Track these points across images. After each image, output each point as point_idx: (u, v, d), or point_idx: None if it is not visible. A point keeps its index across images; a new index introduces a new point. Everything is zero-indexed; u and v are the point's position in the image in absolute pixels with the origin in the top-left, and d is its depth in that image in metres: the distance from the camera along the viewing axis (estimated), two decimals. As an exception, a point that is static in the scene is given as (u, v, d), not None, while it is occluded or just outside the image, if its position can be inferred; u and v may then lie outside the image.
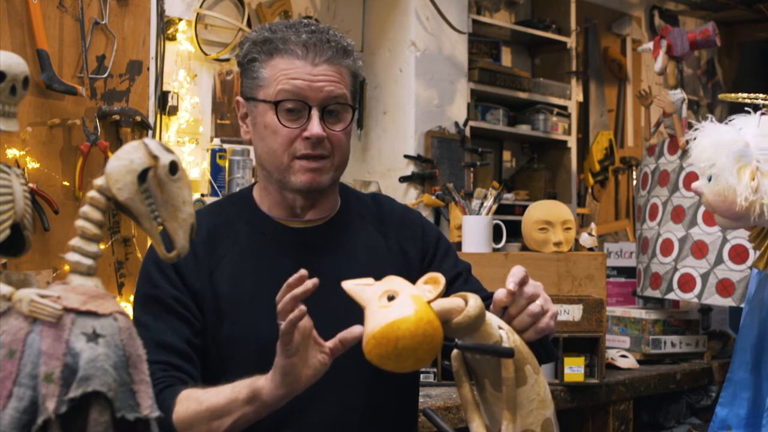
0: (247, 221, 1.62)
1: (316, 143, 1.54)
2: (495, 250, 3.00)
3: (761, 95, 2.06)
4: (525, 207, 3.09)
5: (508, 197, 3.89)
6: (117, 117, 2.67)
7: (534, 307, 1.32)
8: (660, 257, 3.09)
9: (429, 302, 1.16)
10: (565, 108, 4.43)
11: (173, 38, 2.97)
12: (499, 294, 1.31)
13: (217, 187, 2.95)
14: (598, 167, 4.78)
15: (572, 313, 2.57)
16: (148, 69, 2.82)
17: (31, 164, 2.50)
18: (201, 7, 3.06)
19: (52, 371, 0.86)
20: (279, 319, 1.28)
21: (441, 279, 1.18)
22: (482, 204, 2.99)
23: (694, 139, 1.97)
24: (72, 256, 0.93)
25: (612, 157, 4.84)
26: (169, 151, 0.97)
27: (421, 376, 2.57)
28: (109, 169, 0.94)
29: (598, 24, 4.90)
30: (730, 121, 1.94)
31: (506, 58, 4.45)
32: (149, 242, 2.04)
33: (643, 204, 3.25)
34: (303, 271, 1.28)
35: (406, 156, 3.65)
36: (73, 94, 2.56)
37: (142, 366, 0.92)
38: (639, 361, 3.06)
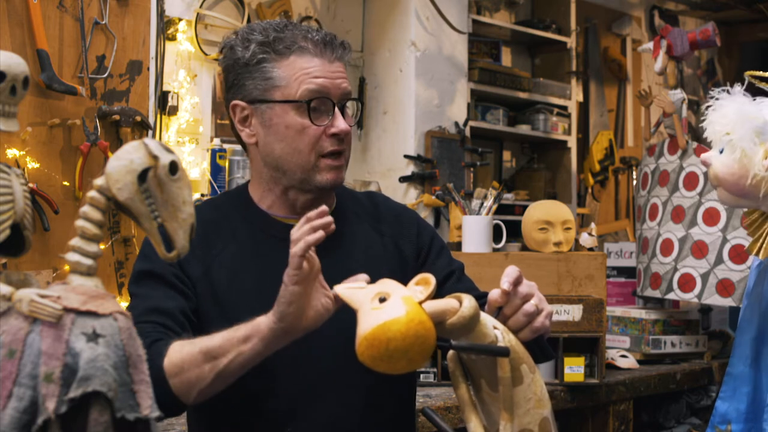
0: (245, 218, 1.62)
1: (342, 139, 1.56)
2: (495, 250, 3.00)
3: None
4: (525, 207, 3.09)
5: (508, 197, 3.89)
6: (117, 117, 2.67)
7: (529, 306, 1.33)
8: (660, 257, 3.09)
9: (420, 303, 1.16)
10: (565, 108, 4.43)
11: (173, 38, 2.97)
12: (494, 294, 1.31)
13: (217, 187, 2.95)
14: (598, 167, 4.78)
15: (572, 313, 2.57)
16: (148, 69, 2.82)
17: (31, 164, 2.50)
18: (201, 7, 3.06)
19: (52, 371, 0.86)
20: (293, 246, 1.28)
21: (432, 279, 1.19)
22: (482, 204, 2.99)
23: (711, 108, 1.94)
24: (72, 256, 0.93)
25: (612, 157, 4.84)
26: (169, 151, 0.97)
27: (421, 376, 2.57)
28: (109, 169, 0.94)
29: (598, 24, 4.90)
30: (754, 99, 1.92)
31: (506, 58, 4.45)
32: (149, 242, 2.03)
33: (643, 204, 3.25)
34: (324, 207, 1.31)
35: (406, 156, 3.65)
36: (73, 94, 2.56)
37: (142, 366, 0.92)
38: (639, 361, 3.06)
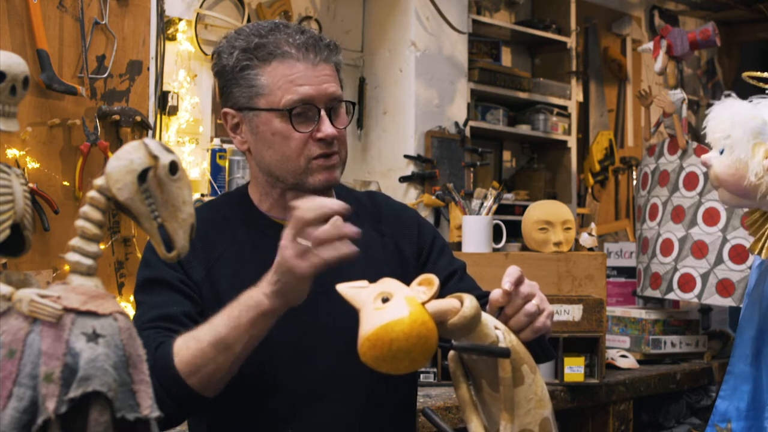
0: (245, 220, 1.62)
1: (330, 142, 1.55)
2: (495, 250, 3.00)
3: None
4: (525, 207, 3.09)
5: (508, 197, 3.89)
6: (117, 117, 2.67)
7: (530, 306, 1.32)
8: (660, 257, 3.09)
9: (423, 303, 1.16)
10: (565, 108, 4.43)
11: (173, 38, 2.97)
12: (495, 294, 1.31)
13: (217, 187, 2.95)
14: (598, 167, 4.78)
15: (572, 313, 2.57)
16: (148, 69, 2.82)
17: (31, 164, 2.50)
18: (201, 7, 3.06)
19: (52, 371, 0.86)
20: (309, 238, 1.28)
21: (435, 280, 1.18)
22: (482, 204, 2.99)
23: (709, 112, 1.95)
24: (72, 256, 0.93)
25: (612, 157, 4.84)
26: (169, 151, 0.97)
27: (421, 376, 2.57)
28: (109, 169, 0.94)
29: (598, 24, 4.90)
30: (750, 100, 1.93)
31: (506, 58, 4.45)
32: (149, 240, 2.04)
33: (643, 204, 3.25)
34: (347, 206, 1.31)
35: (406, 156, 3.65)
36: (73, 94, 2.56)
37: (142, 366, 0.92)
38: (639, 361, 3.06)
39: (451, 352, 1.28)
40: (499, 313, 1.33)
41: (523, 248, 3.10)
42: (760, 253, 1.91)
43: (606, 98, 4.96)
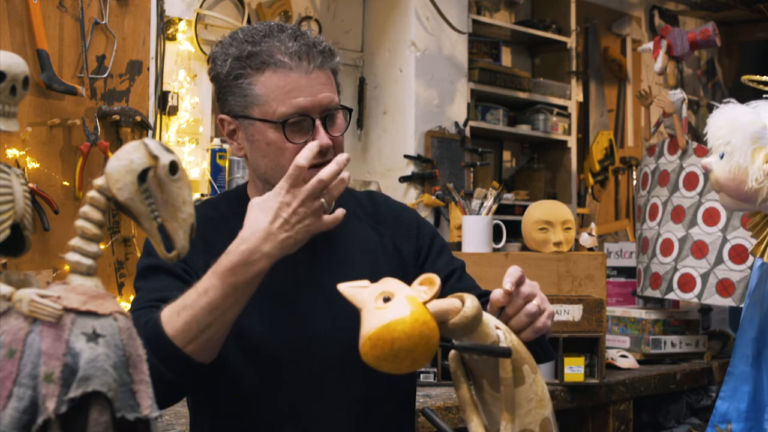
0: (244, 219, 1.62)
1: (325, 152, 1.53)
2: (495, 250, 3.00)
3: None
4: (525, 207, 3.09)
5: (508, 197, 3.89)
6: (117, 117, 2.67)
7: (531, 306, 1.32)
8: (660, 257, 3.09)
9: (425, 303, 1.16)
10: (565, 108, 4.43)
11: (173, 38, 2.97)
12: (496, 294, 1.31)
13: (217, 187, 2.95)
14: (598, 167, 4.78)
15: (572, 313, 2.57)
16: (148, 69, 2.82)
17: (31, 164, 2.50)
18: (201, 7, 3.06)
19: (52, 371, 0.86)
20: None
21: (436, 280, 1.18)
22: (482, 204, 2.99)
23: (709, 119, 1.96)
24: (72, 256, 0.93)
25: (612, 157, 4.84)
26: (169, 151, 0.97)
27: (421, 376, 2.57)
28: (109, 169, 0.94)
29: (598, 24, 4.90)
30: (749, 104, 1.93)
31: (506, 58, 4.45)
32: (149, 242, 2.03)
33: (643, 204, 3.25)
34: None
35: (406, 156, 3.65)
36: (73, 94, 2.56)
37: (142, 366, 0.91)
38: (639, 361, 3.06)
39: (452, 352, 1.28)
40: (500, 313, 1.33)
41: (523, 248, 3.10)
42: (762, 256, 1.92)
43: (606, 98, 4.96)
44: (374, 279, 1.22)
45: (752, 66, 5.86)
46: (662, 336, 3.15)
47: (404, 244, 1.68)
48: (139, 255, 2.70)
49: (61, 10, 2.60)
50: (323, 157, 1.53)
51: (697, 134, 4.95)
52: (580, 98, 4.71)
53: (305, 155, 1.34)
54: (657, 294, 3.11)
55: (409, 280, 1.21)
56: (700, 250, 2.97)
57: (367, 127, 3.80)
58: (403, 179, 3.63)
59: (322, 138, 1.52)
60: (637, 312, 3.24)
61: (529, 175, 4.50)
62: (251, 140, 1.55)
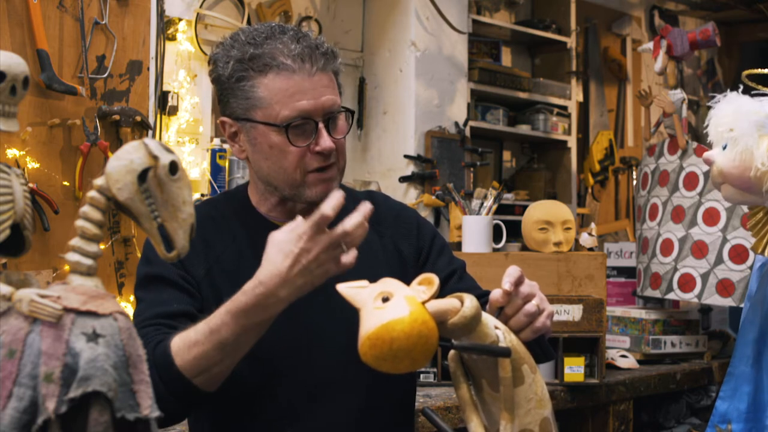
0: (244, 222, 1.62)
1: (327, 155, 1.53)
2: (495, 250, 3.00)
3: None
4: (525, 207, 3.09)
5: (508, 197, 3.89)
6: (117, 117, 2.67)
7: (530, 306, 1.32)
8: (660, 257, 3.09)
9: (423, 303, 1.16)
10: (565, 108, 4.43)
11: (173, 38, 2.97)
12: (495, 294, 1.31)
13: (217, 187, 2.95)
14: (598, 167, 4.78)
15: (572, 313, 2.57)
16: (148, 69, 2.82)
17: (31, 164, 2.50)
18: (201, 7, 3.06)
19: (52, 371, 0.86)
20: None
21: (435, 280, 1.19)
22: (482, 204, 2.99)
23: (712, 109, 1.95)
24: (72, 256, 0.93)
25: (612, 157, 4.84)
26: (169, 151, 0.97)
27: (421, 376, 2.57)
28: (109, 169, 0.94)
29: (598, 24, 4.90)
30: (752, 95, 1.93)
31: (506, 58, 4.45)
32: (149, 242, 2.03)
33: (643, 204, 3.25)
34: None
35: (406, 156, 3.65)
36: (73, 94, 2.56)
37: (142, 366, 0.92)
38: (639, 361, 3.06)
39: (452, 352, 1.29)
40: (499, 312, 1.33)
41: (523, 248, 3.10)
42: (762, 252, 1.91)
43: (606, 98, 4.96)
44: (374, 279, 1.22)
45: (752, 66, 5.85)
46: (662, 336, 3.15)
47: (404, 245, 1.68)
48: (139, 255, 2.70)
49: (61, 10, 2.60)
50: (327, 160, 1.53)
51: (697, 134, 4.95)
52: (580, 98, 4.71)
53: (332, 204, 1.29)
54: (657, 294, 3.11)
55: (409, 281, 1.21)
56: (700, 250, 2.97)
57: (367, 127, 3.80)
58: (403, 179, 3.63)
59: (325, 141, 1.51)
60: (637, 312, 3.24)
61: (529, 175, 4.50)
62: (253, 143, 1.54)
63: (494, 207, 2.99)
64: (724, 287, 2.90)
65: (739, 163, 1.86)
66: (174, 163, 0.96)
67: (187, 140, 2.98)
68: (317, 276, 1.31)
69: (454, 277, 1.69)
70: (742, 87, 1.99)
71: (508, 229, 3.03)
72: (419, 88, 3.68)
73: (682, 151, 3.09)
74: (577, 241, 3.04)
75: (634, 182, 4.84)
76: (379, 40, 3.78)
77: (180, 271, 1.53)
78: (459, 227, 3.12)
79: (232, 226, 1.62)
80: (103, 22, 2.69)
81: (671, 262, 3.04)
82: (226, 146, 2.99)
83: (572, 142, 4.47)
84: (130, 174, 0.94)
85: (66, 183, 2.59)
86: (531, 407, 1.25)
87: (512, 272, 1.31)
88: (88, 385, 0.85)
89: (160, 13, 2.88)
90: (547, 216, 2.88)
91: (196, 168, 2.99)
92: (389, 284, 1.18)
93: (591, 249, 3.05)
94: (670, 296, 3.06)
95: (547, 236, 2.88)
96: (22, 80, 0.96)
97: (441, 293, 1.21)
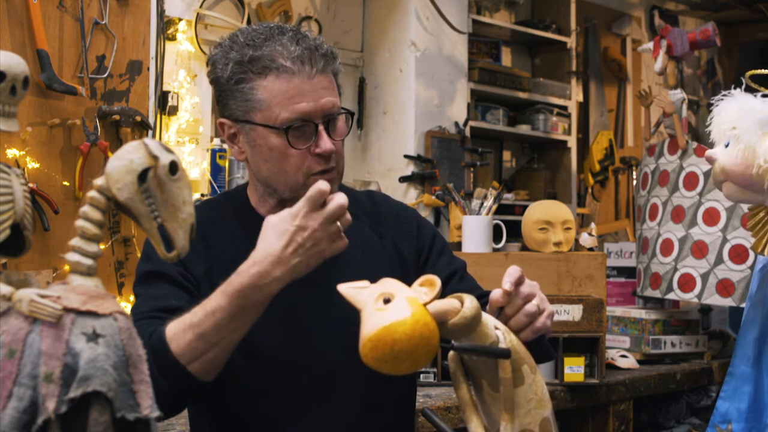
0: (244, 222, 1.61)
1: (328, 157, 1.53)
2: (495, 250, 3.00)
3: None
4: (525, 207, 3.09)
5: (508, 197, 3.89)
6: (117, 117, 2.67)
7: (530, 306, 1.32)
8: (660, 257, 3.09)
9: (425, 304, 1.16)
10: (565, 108, 4.43)
11: (173, 38, 2.97)
12: (495, 294, 1.31)
13: (217, 187, 2.95)
14: (598, 167, 4.78)
15: (572, 313, 2.57)
16: (148, 69, 2.82)
17: (31, 164, 2.50)
18: (201, 7, 3.06)
19: (52, 371, 0.86)
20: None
21: (437, 281, 1.18)
22: (482, 204, 2.99)
23: (715, 108, 1.95)
24: (72, 256, 0.93)
25: (612, 157, 4.84)
26: (169, 151, 0.97)
27: (421, 376, 2.57)
28: (109, 169, 0.94)
29: (598, 24, 4.90)
30: (756, 95, 1.93)
31: (506, 58, 4.45)
32: (149, 242, 2.03)
33: (643, 204, 3.25)
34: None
35: (406, 156, 3.65)
36: (73, 94, 2.56)
37: (142, 366, 0.92)
38: (639, 361, 3.06)
39: (452, 353, 1.28)
40: (499, 313, 1.33)
41: (523, 248, 3.10)
42: (762, 252, 1.91)
43: (606, 98, 4.96)
44: (374, 280, 1.22)
45: (752, 66, 5.85)
46: (662, 336, 3.15)
47: (405, 245, 1.68)
48: (139, 255, 2.70)
49: (61, 10, 2.60)
50: (327, 162, 1.53)
51: (697, 134, 4.96)
52: (580, 98, 4.71)
53: (321, 186, 1.31)
54: (657, 294, 3.11)
55: (409, 281, 1.21)
56: (700, 250, 2.97)
57: (367, 127, 3.80)
58: (403, 179, 3.63)
59: (325, 143, 1.51)
60: (637, 312, 3.24)
61: (529, 175, 4.50)
62: (253, 145, 1.54)
63: (494, 207, 2.99)
64: (724, 287, 2.90)
65: (741, 161, 1.86)
66: (174, 163, 0.96)
67: (187, 140, 2.98)
68: (312, 255, 1.32)
69: (455, 278, 1.69)
70: (742, 87, 1.99)
71: (508, 229, 3.03)
72: (419, 88, 3.68)
73: (682, 151, 3.09)
74: (577, 241, 3.04)
75: (634, 182, 4.84)
76: (379, 40, 3.78)
77: (180, 268, 1.52)
78: (459, 227, 3.12)
79: (231, 227, 1.61)
80: (103, 22, 2.69)
81: (671, 262, 3.04)
82: (225, 146, 2.99)
83: (572, 142, 4.47)
84: (130, 174, 0.94)
85: (66, 183, 2.59)
86: (531, 407, 1.25)
87: (512, 272, 1.31)
88: (88, 385, 0.85)
89: (160, 13, 2.88)
90: (547, 216, 2.88)
91: (196, 168, 2.99)
92: (390, 285, 1.18)
93: (591, 249, 3.05)
94: (670, 296, 3.06)
95: (547, 236, 2.88)
96: (22, 80, 0.96)
97: (442, 294, 1.20)
